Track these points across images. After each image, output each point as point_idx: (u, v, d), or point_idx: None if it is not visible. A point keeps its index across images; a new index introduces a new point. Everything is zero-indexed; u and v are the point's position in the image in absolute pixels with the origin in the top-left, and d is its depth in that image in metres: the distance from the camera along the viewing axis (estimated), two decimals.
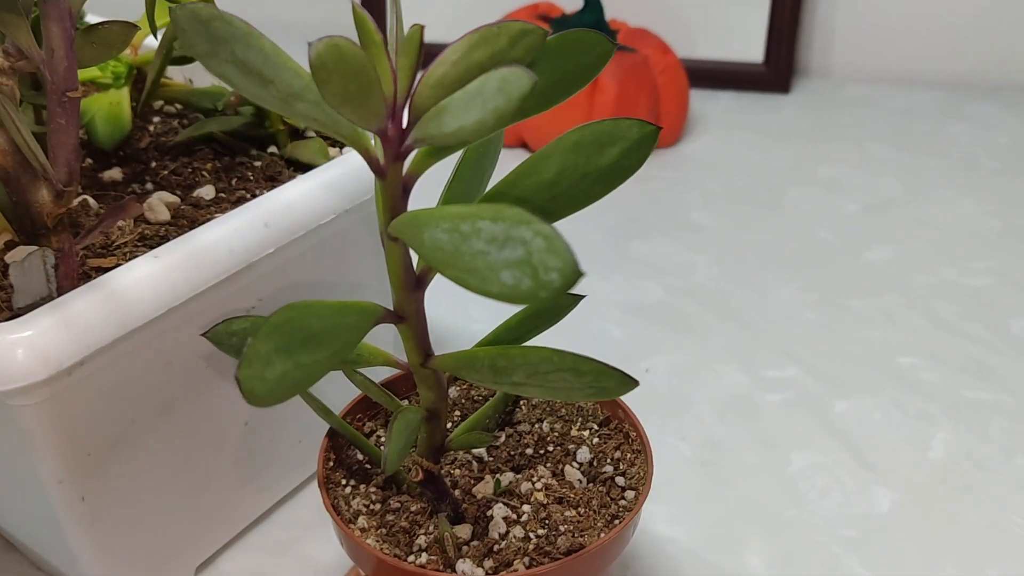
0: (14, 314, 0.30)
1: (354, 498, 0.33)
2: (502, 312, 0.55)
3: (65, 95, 0.30)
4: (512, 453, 0.35)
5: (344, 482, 0.34)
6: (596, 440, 0.35)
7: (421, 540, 0.31)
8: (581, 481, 0.33)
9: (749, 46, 0.81)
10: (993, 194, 0.69)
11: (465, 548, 0.31)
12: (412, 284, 0.27)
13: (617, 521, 0.32)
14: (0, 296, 0.31)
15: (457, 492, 0.33)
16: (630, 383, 0.26)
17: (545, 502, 0.33)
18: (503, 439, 0.35)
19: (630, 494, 0.33)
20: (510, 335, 0.31)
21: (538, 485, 0.33)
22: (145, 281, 0.31)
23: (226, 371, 0.36)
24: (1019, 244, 0.63)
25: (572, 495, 0.33)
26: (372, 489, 0.33)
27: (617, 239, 0.63)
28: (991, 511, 0.43)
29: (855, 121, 0.79)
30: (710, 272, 0.60)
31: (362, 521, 0.32)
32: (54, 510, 0.33)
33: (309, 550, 0.41)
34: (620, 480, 0.33)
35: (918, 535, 0.42)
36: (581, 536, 0.31)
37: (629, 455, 0.34)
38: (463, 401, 0.37)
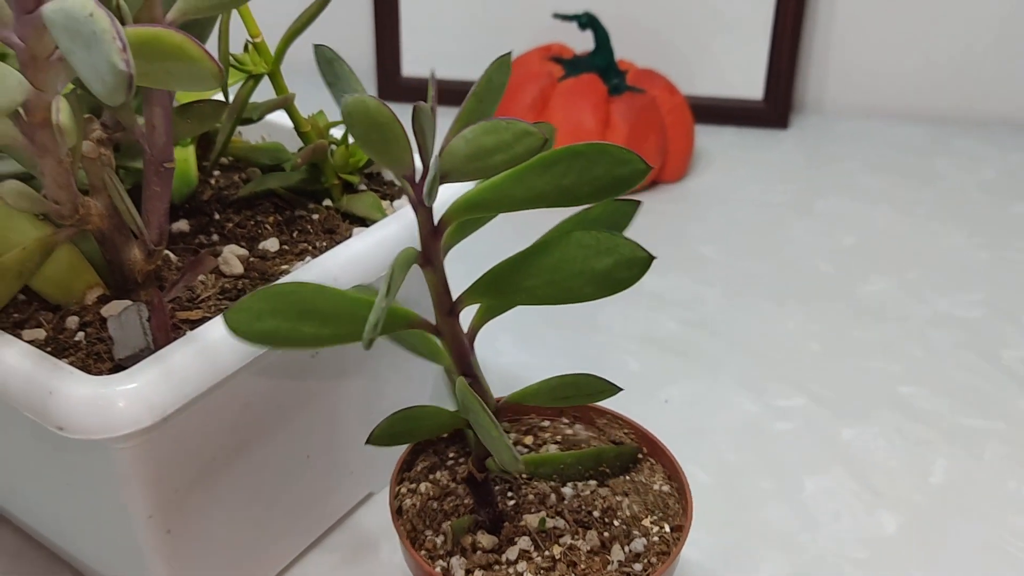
0: (116, 365, 0.33)
1: (437, 470, 0.38)
2: (525, 346, 0.58)
3: (162, 166, 0.33)
4: (582, 506, 0.37)
5: (447, 450, 0.38)
6: (656, 539, 0.36)
7: (446, 526, 0.36)
8: (612, 563, 0.35)
9: (749, 84, 0.85)
10: (982, 226, 0.73)
11: (478, 553, 0.35)
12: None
13: None
14: (100, 348, 0.34)
15: (518, 513, 0.37)
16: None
17: (557, 558, 0.35)
18: (587, 492, 0.38)
19: None
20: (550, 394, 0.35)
21: (569, 541, 0.35)
22: None
23: (292, 411, 0.39)
24: (1008, 276, 0.67)
25: (584, 566, 0.35)
26: (457, 471, 0.38)
27: None
28: (989, 532, 0.47)
29: (849, 154, 0.83)
30: (719, 304, 0.64)
31: (423, 487, 0.37)
32: (140, 543, 0.36)
33: (365, 569, 0.44)
34: None
35: (923, 555, 0.45)
36: None
37: (659, 564, 0.35)
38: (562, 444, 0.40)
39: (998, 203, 0.76)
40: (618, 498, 0.37)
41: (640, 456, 0.39)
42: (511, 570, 0.35)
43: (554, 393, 0.35)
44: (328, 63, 0.29)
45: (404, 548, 0.35)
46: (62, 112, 0.26)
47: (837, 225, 0.73)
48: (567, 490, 0.38)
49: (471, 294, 0.32)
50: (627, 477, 0.38)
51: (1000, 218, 0.74)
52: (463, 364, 0.33)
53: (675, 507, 0.37)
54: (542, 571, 0.35)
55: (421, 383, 0.48)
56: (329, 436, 0.42)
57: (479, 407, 0.30)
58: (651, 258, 0.29)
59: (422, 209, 0.29)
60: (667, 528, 0.36)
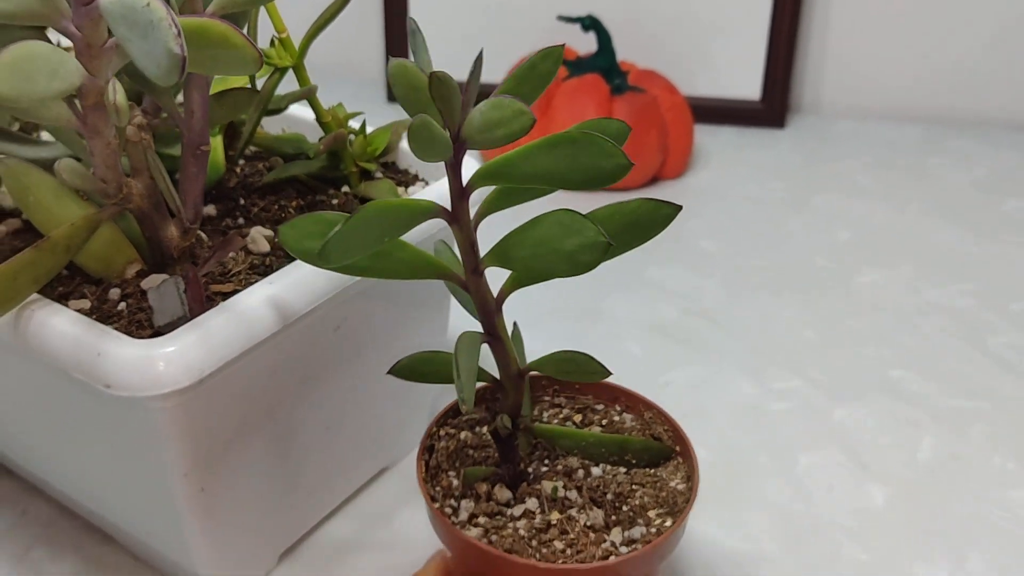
0: (155, 331, 0.36)
1: (484, 424, 0.41)
2: (533, 333, 0.61)
3: (199, 149, 0.36)
4: (600, 486, 0.39)
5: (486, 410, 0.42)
6: (654, 531, 0.38)
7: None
8: (607, 542, 0.37)
9: (747, 85, 0.88)
10: (972, 222, 0.75)
11: (491, 503, 0.38)
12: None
13: None
14: (140, 317, 0.37)
15: (541, 478, 0.39)
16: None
17: (553, 523, 0.37)
18: (611, 477, 0.40)
19: None
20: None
21: (573, 513, 0.38)
22: (264, 303, 0.36)
23: (314, 384, 0.42)
24: (997, 268, 0.70)
25: (573, 536, 0.37)
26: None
27: (634, 265, 0.69)
28: (972, 504, 0.49)
29: (844, 153, 0.86)
30: (719, 295, 0.66)
31: (464, 435, 0.41)
32: (176, 500, 0.38)
33: (379, 537, 0.47)
34: (612, 559, 0.36)
35: (909, 525, 0.48)
36: (528, 559, 0.36)
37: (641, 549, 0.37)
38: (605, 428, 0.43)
39: (990, 199, 0.79)
40: (634, 487, 0.39)
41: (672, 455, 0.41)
42: (508, 524, 0.37)
43: (558, 367, 0.38)
44: (412, 34, 0.33)
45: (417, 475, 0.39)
46: (119, 93, 0.29)
47: (833, 221, 0.76)
48: (596, 470, 0.40)
49: (489, 256, 0.34)
50: (652, 470, 0.40)
51: (991, 214, 0.77)
52: (488, 323, 0.35)
53: (683, 506, 0.38)
54: (535, 530, 0.37)
55: None
56: (349, 409, 0.45)
57: (456, 351, 0.34)
58: (609, 244, 0.31)
59: (451, 170, 0.33)
60: (668, 523, 0.38)
